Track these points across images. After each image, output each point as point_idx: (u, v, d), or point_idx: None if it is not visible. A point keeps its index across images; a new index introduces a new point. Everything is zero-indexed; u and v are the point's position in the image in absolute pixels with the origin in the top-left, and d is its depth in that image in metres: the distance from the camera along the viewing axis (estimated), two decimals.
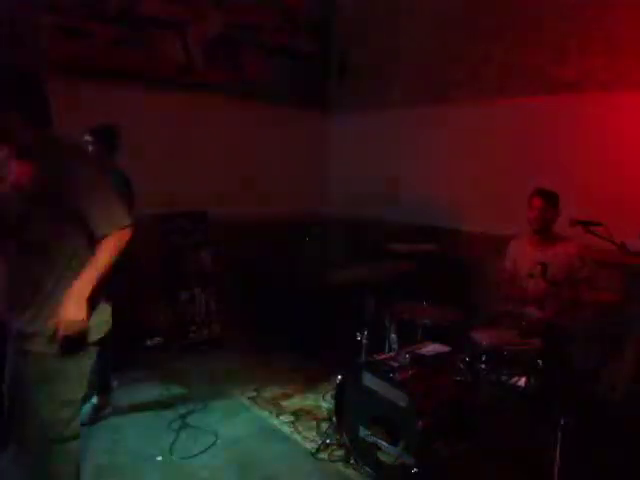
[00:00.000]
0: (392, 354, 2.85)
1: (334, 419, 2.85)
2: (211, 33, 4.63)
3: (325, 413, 3.20)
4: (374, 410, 2.58)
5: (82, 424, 3.01)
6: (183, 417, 3.11)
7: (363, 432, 2.63)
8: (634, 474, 2.52)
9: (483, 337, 2.69)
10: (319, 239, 5.02)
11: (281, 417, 3.21)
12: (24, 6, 3.63)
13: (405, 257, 3.81)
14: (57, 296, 1.79)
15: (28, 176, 1.75)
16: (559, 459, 2.30)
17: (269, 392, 3.53)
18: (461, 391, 2.61)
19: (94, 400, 3.10)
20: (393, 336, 3.06)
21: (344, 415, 2.76)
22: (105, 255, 1.83)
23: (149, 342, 4.05)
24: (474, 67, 4.21)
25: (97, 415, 3.08)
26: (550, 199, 3.03)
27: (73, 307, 1.76)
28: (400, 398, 2.45)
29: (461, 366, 2.69)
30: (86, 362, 1.93)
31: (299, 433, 3.03)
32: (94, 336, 1.91)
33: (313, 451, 2.83)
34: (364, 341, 3.02)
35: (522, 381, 2.56)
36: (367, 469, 2.62)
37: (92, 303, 1.83)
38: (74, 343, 1.81)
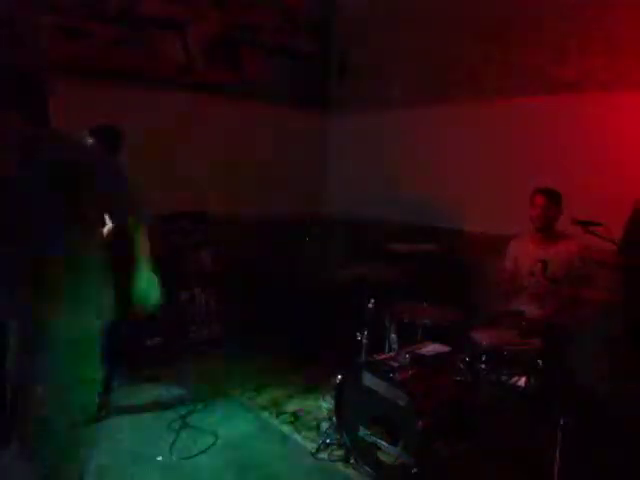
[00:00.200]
0: (392, 354, 2.85)
1: (334, 419, 2.85)
2: (211, 33, 4.63)
3: (325, 413, 3.20)
4: (374, 410, 2.58)
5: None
6: (183, 417, 3.11)
7: (363, 432, 2.63)
8: (634, 474, 2.52)
9: (483, 337, 2.69)
10: (319, 239, 5.02)
11: (281, 417, 3.21)
12: (24, 6, 3.63)
13: (405, 257, 3.82)
14: (76, 281, 1.87)
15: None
16: (559, 459, 2.30)
17: (269, 392, 3.53)
18: (461, 391, 2.61)
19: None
20: (393, 336, 3.06)
21: (344, 415, 2.76)
22: (146, 241, 2.05)
23: (149, 342, 4.05)
24: (474, 67, 4.21)
25: (97, 415, 3.08)
26: (553, 197, 3.04)
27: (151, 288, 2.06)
28: (400, 398, 2.45)
29: (461, 366, 2.68)
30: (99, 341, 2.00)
31: (299, 433, 3.03)
32: (106, 316, 1.99)
33: (313, 451, 2.83)
34: (364, 341, 3.02)
35: (522, 381, 2.56)
36: (367, 469, 2.62)
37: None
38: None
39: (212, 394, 3.42)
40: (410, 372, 2.60)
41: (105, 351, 3.02)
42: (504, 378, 2.57)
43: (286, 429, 3.09)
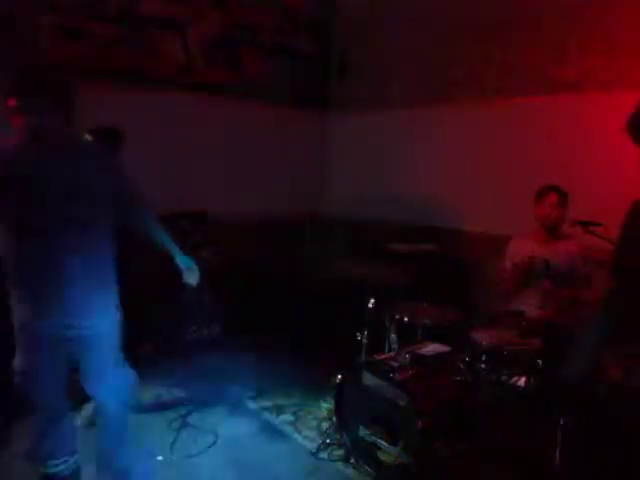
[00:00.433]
0: (392, 354, 2.85)
1: (334, 419, 2.85)
2: (211, 33, 4.63)
3: (325, 413, 3.20)
4: (374, 410, 2.58)
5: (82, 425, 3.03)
6: (183, 417, 3.11)
7: (363, 432, 2.63)
8: (634, 475, 2.52)
9: (483, 337, 2.69)
10: (319, 239, 5.02)
11: (281, 417, 3.21)
12: (24, 6, 3.63)
13: (405, 257, 3.82)
14: (99, 272, 2.03)
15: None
16: (559, 459, 2.30)
17: (269, 392, 3.53)
18: (461, 391, 2.61)
19: (94, 401, 3.09)
20: (393, 336, 3.06)
21: (344, 415, 2.76)
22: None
23: (149, 342, 4.05)
24: (474, 67, 4.21)
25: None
26: (563, 195, 3.03)
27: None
28: (400, 398, 2.45)
29: (461, 366, 2.69)
30: None
31: (299, 433, 3.04)
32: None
33: (313, 451, 2.83)
34: (364, 341, 3.02)
35: (522, 381, 2.56)
36: (367, 469, 2.62)
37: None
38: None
39: (212, 394, 3.42)
40: (410, 372, 2.60)
41: None
42: (504, 378, 2.58)
43: (286, 429, 3.09)
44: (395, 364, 2.67)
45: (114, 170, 2.10)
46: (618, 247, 1.74)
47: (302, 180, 5.32)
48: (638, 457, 2.47)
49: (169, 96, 4.33)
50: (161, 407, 3.25)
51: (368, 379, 2.63)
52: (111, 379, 2.13)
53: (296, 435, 3.02)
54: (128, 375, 2.21)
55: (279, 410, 3.29)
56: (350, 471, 2.68)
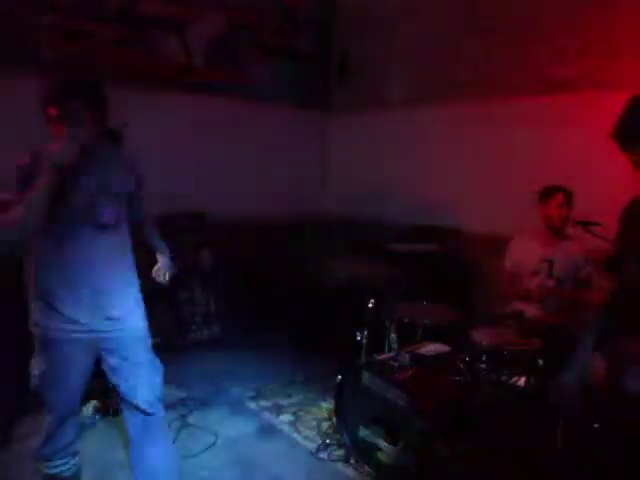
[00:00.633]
0: (392, 354, 2.85)
1: (334, 419, 2.85)
2: (211, 33, 4.63)
3: (325, 413, 3.20)
4: (374, 410, 2.58)
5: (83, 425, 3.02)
6: (183, 417, 3.11)
7: (363, 432, 2.63)
8: (634, 475, 2.52)
9: (483, 337, 2.69)
10: (319, 239, 5.03)
11: (281, 417, 3.21)
12: (24, 6, 3.64)
13: (405, 257, 3.82)
14: (126, 273, 2.09)
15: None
16: (559, 459, 2.30)
17: (269, 392, 3.53)
18: (461, 391, 2.61)
19: (95, 402, 3.10)
20: (393, 336, 3.06)
21: (344, 415, 2.76)
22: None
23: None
24: (474, 67, 4.21)
25: (98, 416, 3.08)
26: (569, 195, 3.00)
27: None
28: (400, 398, 2.45)
29: (461, 366, 2.68)
30: None
31: (299, 433, 3.04)
32: None
33: (313, 451, 2.83)
34: (364, 341, 3.02)
35: (522, 381, 2.56)
36: (367, 469, 2.62)
37: None
38: None
39: (212, 394, 3.42)
40: (410, 372, 2.60)
41: None
42: (504, 378, 2.58)
43: (286, 429, 3.09)
44: (395, 364, 2.67)
45: (135, 170, 2.14)
46: (615, 242, 1.74)
47: (302, 180, 5.33)
48: (637, 457, 2.47)
49: (169, 96, 4.33)
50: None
51: (368, 379, 2.63)
52: (146, 377, 2.12)
53: (296, 435, 3.02)
54: (160, 371, 2.19)
55: (279, 410, 3.29)
56: (350, 471, 2.68)
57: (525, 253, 3.11)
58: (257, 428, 3.09)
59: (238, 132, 4.83)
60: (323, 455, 2.80)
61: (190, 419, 3.10)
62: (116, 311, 2.03)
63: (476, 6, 4.16)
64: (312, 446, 2.88)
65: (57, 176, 1.76)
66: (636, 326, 1.76)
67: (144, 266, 2.34)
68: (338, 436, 2.82)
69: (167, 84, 4.38)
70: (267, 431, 3.07)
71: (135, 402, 2.09)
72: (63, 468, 2.15)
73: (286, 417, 3.21)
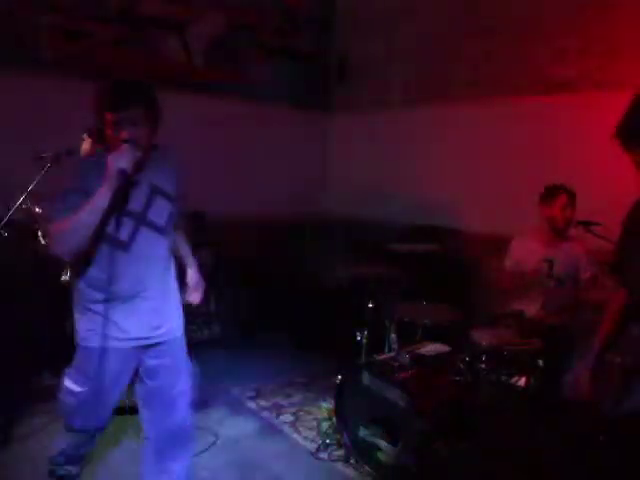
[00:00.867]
0: (392, 354, 2.85)
1: (334, 419, 2.85)
2: (211, 33, 4.63)
3: (325, 413, 3.20)
4: (374, 410, 2.58)
5: None
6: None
7: (363, 432, 2.63)
8: (634, 475, 2.51)
9: (483, 337, 2.68)
10: (319, 239, 5.02)
11: (281, 417, 3.21)
12: (24, 6, 3.63)
13: (405, 257, 3.82)
14: (171, 276, 2.09)
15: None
16: (559, 459, 2.30)
17: (269, 392, 3.53)
18: (461, 391, 2.61)
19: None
20: (393, 336, 3.06)
21: (344, 415, 2.76)
22: None
23: None
24: (474, 67, 4.21)
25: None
26: (572, 196, 2.96)
27: None
28: (400, 398, 2.45)
29: (461, 366, 2.68)
30: None
31: (299, 433, 3.03)
32: None
33: (313, 451, 2.83)
34: (364, 341, 3.02)
35: (522, 381, 2.56)
36: (367, 469, 2.62)
37: None
38: None
39: (212, 394, 3.42)
40: (410, 372, 2.60)
41: None
42: (504, 378, 2.57)
43: (286, 429, 3.09)
44: (395, 364, 2.67)
45: (177, 170, 2.14)
46: (618, 246, 1.73)
47: (302, 180, 5.32)
48: (637, 457, 2.47)
49: (169, 96, 4.31)
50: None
51: (368, 379, 2.63)
52: (184, 383, 2.13)
53: (296, 435, 3.02)
54: (193, 375, 2.20)
55: (279, 410, 3.29)
56: (350, 471, 2.68)
57: (526, 253, 3.09)
58: (257, 428, 3.09)
59: (238, 132, 4.82)
60: (323, 455, 2.80)
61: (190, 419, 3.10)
62: (164, 317, 2.03)
63: (476, 6, 4.16)
64: (312, 446, 2.88)
65: (121, 181, 1.76)
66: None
67: None
68: (338, 436, 2.82)
69: (167, 84, 4.37)
70: (267, 431, 3.07)
71: (169, 411, 2.07)
72: (73, 471, 2.12)
73: (286, 417, 3.21)
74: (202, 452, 2.80)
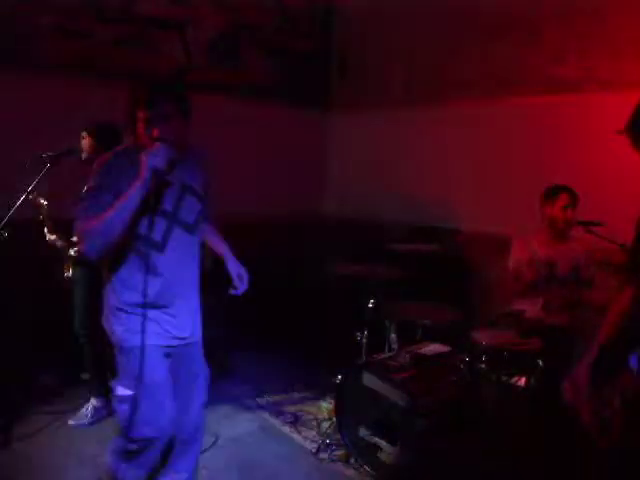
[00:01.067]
0: (392, 354, 2.85)
1: (334, 419, 2.85)
2: (211, 33, 4.63)
3: (325, 413, 3.20)
4: (374, 410, 2.58)
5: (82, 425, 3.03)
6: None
7: (363, 432, 2.63)
8: (634, 475, 2.51)
9: (483, 337, 2.69)
10: (319, 239, 5.02)
11: (281, 417, 3.21)
12: (24, 6, 3.63)
13: (405, 257, 3.81)
14: (198, 276, 2.08)
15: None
16: (559, 459, 2.30)
17: (269, 392, 3.53)
18: (461, 391, 2.61)
19: (94, 401, 3.10)
20: (393, 336, 3.06)
21: (344, 415, 2.76)
22: None
23: None
24: (474, 67, 4.21)
25: (97, 416, 3.08)
26: (574, 196, 2.94)
27: None
28: (400, 398, 2.45)
29: (461, 366, 2.69)
30: None
31: (299, 433, 3.03)
32: None
33: (313, 451, 2.83)
34: (364, 341, 3.02)
35: (522, 381, 2.56)
36: (367, 469, 2.62)
37: None
38: None
39: (212, 394, 3.41)
40: (410, 372, 2.59)
41: (102, 352, 3.02)
42: (504, 378, 2.57)
43: (286, 429, 3.09)
44: (395, 364, 2.67)
45: (204, 168, 2.13)
46: (634, 246, 1.69)
47: (302, 180, 5.32)
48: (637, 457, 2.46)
49: None
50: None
51: (368, 379, 2.63)
52: (201, 387, 2.12)
53: (296, 435, 3.02)
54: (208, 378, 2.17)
55: (279, 410, 3.29)
56: (350, 471, 2.68)
57: (527, 253, 3.08)
58: (257, 428, 3.09)
59: (238, 132, 4.82)
60: (323, 455, 2.81)
61: None
62: (197, 318, 2.05)
63: (476, 6, 4.16)
64: (312, 446, 2.88)
65: (156, 180, 1.74)
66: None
67: None
68: (338, 436, 2.82)
69: None
70: (267, 431, 3.07)
71: (184, 412, 2.01)
72: None
73: (286, 417, 3.21)
74: (202, 452, 2.79)
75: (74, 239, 2.98)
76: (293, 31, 5.21)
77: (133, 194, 1.71)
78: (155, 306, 1.88)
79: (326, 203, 5.55)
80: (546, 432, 2.39)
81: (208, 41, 4.62)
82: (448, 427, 2.54)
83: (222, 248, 2.30)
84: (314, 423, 3.13)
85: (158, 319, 1.89)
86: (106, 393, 3.15)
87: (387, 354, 2.89)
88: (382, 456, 2.55)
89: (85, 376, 3.31)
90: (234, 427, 3.08)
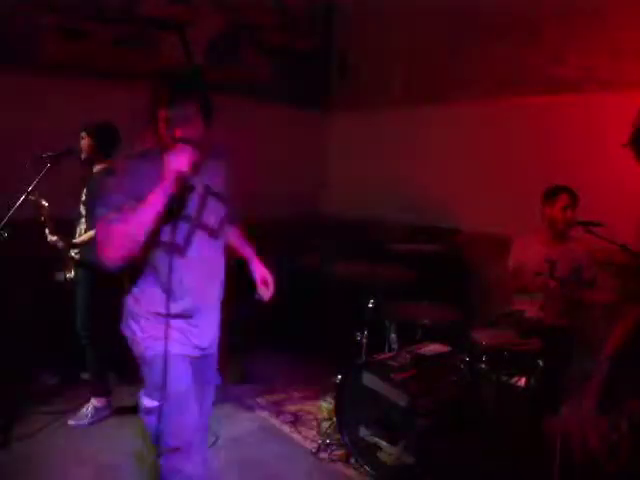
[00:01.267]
0: (392, 354, 2.85)
1: (334, 419, 2.85)
2: (211, 33, 4.63)
3: (325, 413, 3.20)
4: (374, 410, 2.58)
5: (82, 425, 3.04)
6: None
7: (363, 432, 2.63)
8: (633, 474, 2.51)
9: (483, 337, 2.69)
10: (319, 239, 5.02)
11: (281, 417, 3.21)
12: (24, 6, 3.63)
13: (405, 257, 3.81)
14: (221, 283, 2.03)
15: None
16: (559, 459, 2.30)
17: (269, 392, 3.53)
18: (461, 391, 2.61)
19: (94, 402, 3.10)
20: (393, 336, 3.06)
21: (344, 415, 2.76)
22: None
23: None
24: (474, 67, 4.21)
25: (97, 416, 3.08)
26: (574, 197, 2.94)
27: None
28: (400, 398, 2.45)
29: (461, 366, 2.69)
30: None
31: (299, 433, 3.04)
32: None
33: (313, 451, 2.83)
34: (364, 341, 3.02)
35: (522, 381, 2.56)
36: (367, 469, 2.63)
37: None
38: None
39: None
40: (410, 372, 2.59)
41: (103, 353, 3.02)
42: (504, 378, 2.57)
43: (286, 429, 3.09)
44: (395, 364, 2.67)
45: (226, 170, 2.09)
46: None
47: (302, 180, 5.32)
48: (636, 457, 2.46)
49: None
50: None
51: (368, 379, 2.63)
52: (210, 395, 2.07)
53: (296, 435, 3.02)
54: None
55: (279, 410, 3.29)
56: (350, 471, 2.68)
57: (528, 253, 3.08)
58: (257, 428, 3.10)
59: (238, 132, 4.82)
60: (323, 455, 2.81)
61: None
62: (217, 328, 2.01)
63: (476, 6, 4.16)
64: (312, 446, 2.88)
65: (179, 183, 1.65)
66: None
67: None
68: (338, 436, 2.82)
69: None
70: (267, 431, 3.07)
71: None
72: None
73: (286, 417, 3.21)
74: None
75: (75, 240, 2.99)
76: (293, 31, 5.21)
77: (155, 198, 1.63)
78: (178, 315, 1.82)
79: (326, 203, 5.55)
80: (545, 431, 2.39)
81: (208, 41, 4.62)
82: (448, 427, 2.54)
83: (246, 251, 2.25)
84: (314, 423, 3.13)
85: (181, 328, 1.83)
86: (107, 393, 3.16)
87: (387, 354, 2.89)
88: (382, 456, 2.55)
89: (85, 376, 3.31)
90: (234, 427, 3.08)
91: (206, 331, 1.93)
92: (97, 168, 3.01)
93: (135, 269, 1.80)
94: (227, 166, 2.10)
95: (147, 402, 1.82)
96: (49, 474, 2.58)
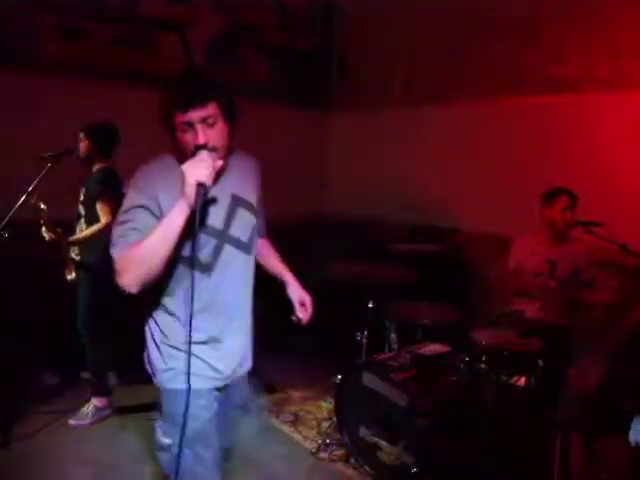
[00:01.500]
0: (392, 354, 2.85)
1: (334, 419, 2.85)
2: (211, 33, 4.63)
3: (325, 413, 3.20)
4: (374, 410, 2.58)
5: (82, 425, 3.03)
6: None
7: (363, 432, 2.63)
8: (633, 474, 2.52)
9: (483, 337, 2.69)
10: (319, 239, 5.01)
11: (281, 417, 3.21)
12: (24, 6, 3.63)
13: (405, 257, 3.81)
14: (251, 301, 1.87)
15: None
16: (559, 459, 2.30)
17: (270, 391, 3.52)
18: (461, 391, 2.61)
19: (94, 401, 3.10)
20: (393, 336, 3.06)
21: (344, 415, 2.76)
22: None
23: None
24: (474, 67, 4.21)
25: (97, 416, 3.08)
26: (573, 198, 2.94)
27: None
28: (400, 398, 2.45)
29: (461, 366, 2.69)
30: None
31: (299, 433, 3.04)
32: None
33: (313, 451, 2.83)
34: (364, 341, 3.02)
35: (522, 381, 2.56)
36: (367, 469, 2.63)
37: None
38: None
39: None
40: (410, 372, 2.60)
41: (103, 352, 3.02)
42: (504, 378, 2.57)
43: (286, 429, 3.09)
44: (395, 364, 2.67)
45: (257, 177, 1.92)
46: None
47: (302, 180, 5.32)
48: (637, 457, 2.47)
49: None
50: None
51: (368, 379, 2.63)
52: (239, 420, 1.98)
53: (296, 435, 3.02)
54: None
55: (279, 410, 3.29)
56: (350, 471, 2.68)
57: (528, 254, 3.09)
58: (257, 428, 3.09)
59: (238, 132, 4.81)
60: (323, 455, 2.81)
61: None
62: (249, 351, 1.83)
63: (476, 6, 4.16)
64: (312, 446, 2.88)
65: (201, 196, 1.41)
66: None
67: None
68: (338, 436, 2.82)
69: None
70: (267, 431, 3.06)
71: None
72: None
73: (286, 417, 3.21)
74: None
75: (72, 238, 2.99)
76: (293, 31, 5.21)
77: (176, 215, 1.42)
78: (203, 341, 1.63)
79: (326, 203, 5.54)
80: (545, 432, 2.39)
81: (208, 41, 4.62)
82: (448, 427, 2.54)
83: (280, 269, 2.05)
84: (314, 423, 3.13)
85: (205, 356, 1.64)
86: (107, 393, 3.16)
87: (387, 354, 2.89)
88: (382, 456, 2.55)
89: (85, 375, 3.31)
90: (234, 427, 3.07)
91: (235, 356, 1.74)
92: (96, 168, 3.01)
93: (154, 291, 1.60)
94: (257, 171, 1.94)
95: (162, 437, 1.68)
96: (49, 474, 2.58)
